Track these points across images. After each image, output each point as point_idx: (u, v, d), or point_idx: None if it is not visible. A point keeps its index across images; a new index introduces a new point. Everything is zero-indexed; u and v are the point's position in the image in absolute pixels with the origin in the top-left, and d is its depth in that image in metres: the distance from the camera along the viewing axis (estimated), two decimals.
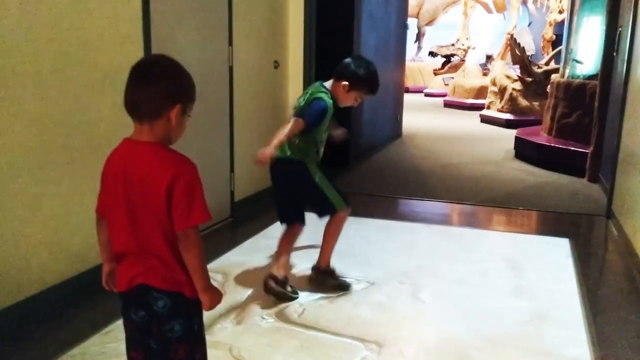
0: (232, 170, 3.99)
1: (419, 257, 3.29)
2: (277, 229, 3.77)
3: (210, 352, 2.18)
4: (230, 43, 3.85)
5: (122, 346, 2.20)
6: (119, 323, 2.41)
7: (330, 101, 2.64)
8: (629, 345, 2.38)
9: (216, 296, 1.47)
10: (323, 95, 2.64)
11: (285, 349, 2.22)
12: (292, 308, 2.58)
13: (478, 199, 4.73)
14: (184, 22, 3.37)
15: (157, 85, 1.43)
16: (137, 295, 1.45)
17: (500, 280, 3.01)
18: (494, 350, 2.26)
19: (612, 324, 2.60)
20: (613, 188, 4.27)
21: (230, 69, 3.88)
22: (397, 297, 2.74)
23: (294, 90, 4.73)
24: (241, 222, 3.98)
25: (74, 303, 2.56)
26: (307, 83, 4.72)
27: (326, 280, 2.81)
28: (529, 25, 17.97)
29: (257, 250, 3.36)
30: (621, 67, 4.47)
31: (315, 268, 2.85)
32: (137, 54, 2.95)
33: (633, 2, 4.11)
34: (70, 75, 2.53)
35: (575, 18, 7.02)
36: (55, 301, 2.51)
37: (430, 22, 17.45)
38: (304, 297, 2.70)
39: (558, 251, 3.48)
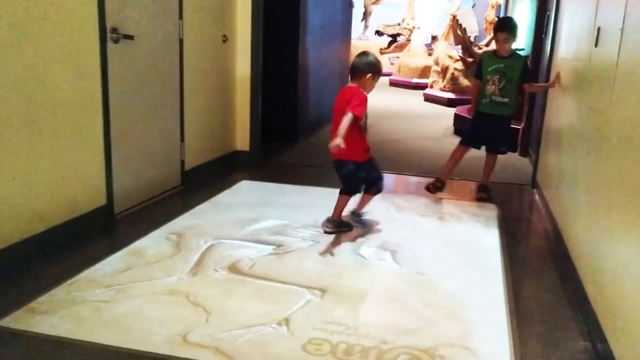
0: (182, 140, 4.15)
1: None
2: (225, 196, 3.99)
3: (169, 299, 2.42)
4: (181, 17, 3.99)
5: (87, 294, 2.40)
6: (83, 275, 2.60)
7: None
8: (538, 289, 2.73)
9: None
10: None
11: (238, 295, 2.45)
12: (243, 262, 2.80)
13: (418, 170, 5.05)
14: None
15: (361, 62, 3.20)
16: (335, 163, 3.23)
17: (432, 237, 3.32)
18: (425, 295, 2.56)
19: (526, 271, 2.97)
20: (537, 161, 4.67)
21: (181, 41, 4.02)
22: (340, 253, 3.01)
23: (242, 64, 4.91)
24: (191, 189, 4.16)
25: (37, 260, 2.71)
26: (254, 57, 4.90)
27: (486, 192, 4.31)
28: (473, 6, 18.46)
29: (207, 214, 3.56)
30: (547, 49, 4.85)
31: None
32: (93, 26, 3.07)
33: None
34: (30, 47, 2.64)
35: (510, 2, 7.42)
36: (18, 258, 2.65)
37: (376, 1, 17.69)
38: (254, 252, 2.93)
39: (486, 214, 3.83)
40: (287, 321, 2.25)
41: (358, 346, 2.09)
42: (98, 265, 2.70)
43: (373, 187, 3.42)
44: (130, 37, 3.37)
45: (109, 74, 3.22)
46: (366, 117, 3.40)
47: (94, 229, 3.18)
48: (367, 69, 3.15)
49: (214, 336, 2.12)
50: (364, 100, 3.07)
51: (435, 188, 4.31)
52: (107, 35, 3.19)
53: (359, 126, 3.16)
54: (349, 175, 3.25)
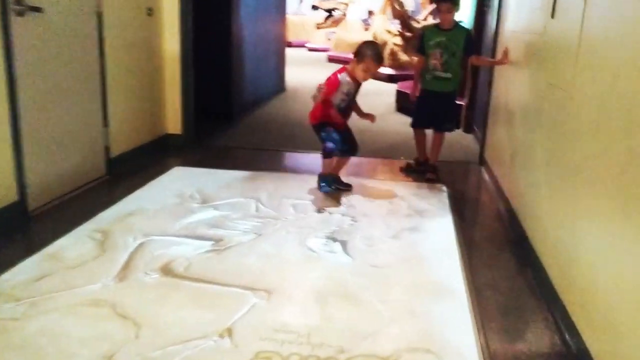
0: (105, 124, 3.75)
1: (305, 205, 3.32)
2: (156, 186, 3.64)
3: (92, 311, 2.10)
4: None
5: None
6: None
7: None
8: (497, 277, 2.58)
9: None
10: None
11: (172, 303, 2.15)
12: (177, 262, 2.50)
13: (362, 151, 4.82)
14: None
15: (357, 50, 3.46)
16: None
17: (383, 223, 3.11)
18: (380, 289, 2.34)
19: (483, 258, 2.81)
20: (485, 138, 4.55)
21: (99, 14, 3.60)
22: (284, 246, 2.75)
23: (170, 39, 4.51)
24: (118, 179, 3.78)
25: None
26: (183, 31, 4.51)
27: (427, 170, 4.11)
28: None
29: (136, 207, 3.20)
30: (491, 22, 4.70)
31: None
32: None
33: None
34: None
35: None
36: None
37: None
38: (190, 250, 2.63)
39: (436, 195, 3.66)
40: (229, 332, 1.97)
41: (312, 357, 1.85)
42: (6, 275, 2.33)
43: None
44: (37, 9, 2.95)
45: (13, 52, 2.80)
46: (349, 94, 3.58)
47: (3, 230, 2.78)
48: (354, 54, 3.48)
49: (145, 355, 1.83)
50: (329, 83, 3.45)
51: (410, 170, 4.29)
52: (9, 6, 2.76)
53: (324, 100, 3.47)
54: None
